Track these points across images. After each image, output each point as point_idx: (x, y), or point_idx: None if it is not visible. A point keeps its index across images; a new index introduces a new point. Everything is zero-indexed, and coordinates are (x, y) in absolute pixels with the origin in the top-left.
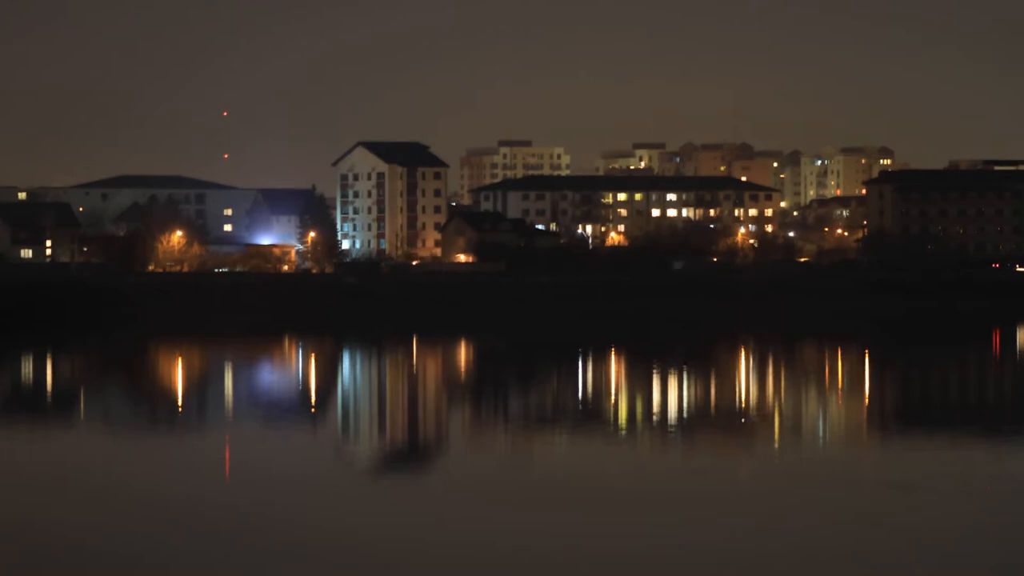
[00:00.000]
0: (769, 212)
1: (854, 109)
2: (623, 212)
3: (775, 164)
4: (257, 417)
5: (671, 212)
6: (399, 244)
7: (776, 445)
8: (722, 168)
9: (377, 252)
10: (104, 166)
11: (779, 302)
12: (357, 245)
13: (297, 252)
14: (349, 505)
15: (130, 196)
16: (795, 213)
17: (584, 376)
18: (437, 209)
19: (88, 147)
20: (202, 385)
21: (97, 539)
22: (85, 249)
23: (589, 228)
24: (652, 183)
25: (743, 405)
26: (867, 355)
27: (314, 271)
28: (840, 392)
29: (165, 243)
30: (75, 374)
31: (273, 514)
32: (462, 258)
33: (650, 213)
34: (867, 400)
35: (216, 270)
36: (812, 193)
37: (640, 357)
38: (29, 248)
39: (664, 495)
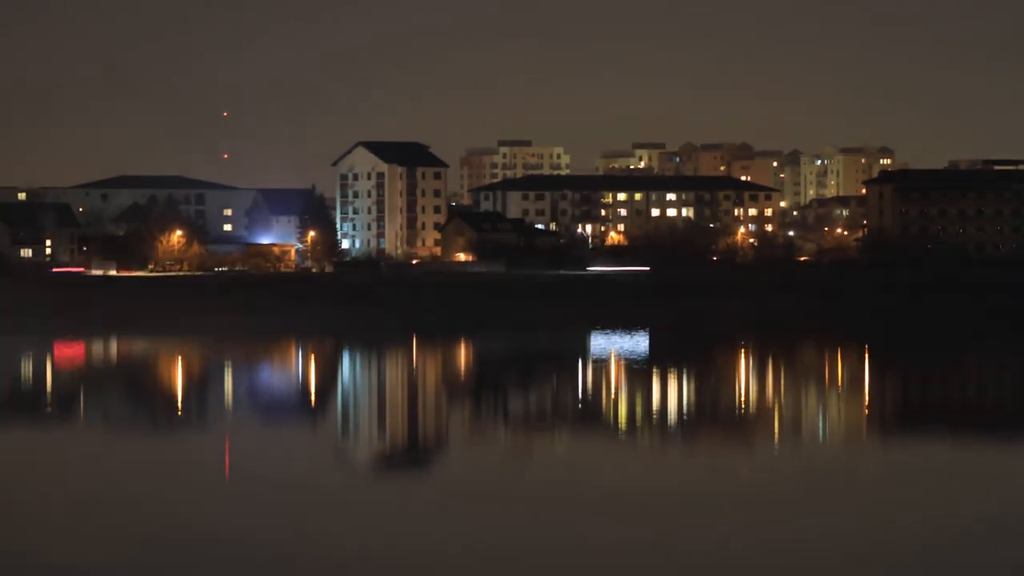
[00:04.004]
0: (769, 212)
1: (854, 109)
2: (623, 212)
3: (775, 164)
4: (257, 417)
5: (671, 212)
6: (399, 244)
7: (776, 445)
8: (722, 168)
9: (377, 252)
10: (104, 166)
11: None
12: (357, 245)
13: (297, 252)
14: (347, 506)
15: (130, 196)
16: (795, 213)
17: (584, 377)
18: (437, 209)
19: (88, 147)
20: (202, 385)
21: (96, 543)
22: (85, 249)
23: (589, 228)
24: (652, 183)
25: (743, 405)
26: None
27: (314, 271)
28: (839, 392)
29: (165, 243)
30: (74, 374)
31: (272, 515)
32: (462, 257)
33: (650, 213)
34: (866, 400)
35: (216, 269)
36: (812, 193)
37: (639, 357)
38: (29, 248)
39: (663, 495)
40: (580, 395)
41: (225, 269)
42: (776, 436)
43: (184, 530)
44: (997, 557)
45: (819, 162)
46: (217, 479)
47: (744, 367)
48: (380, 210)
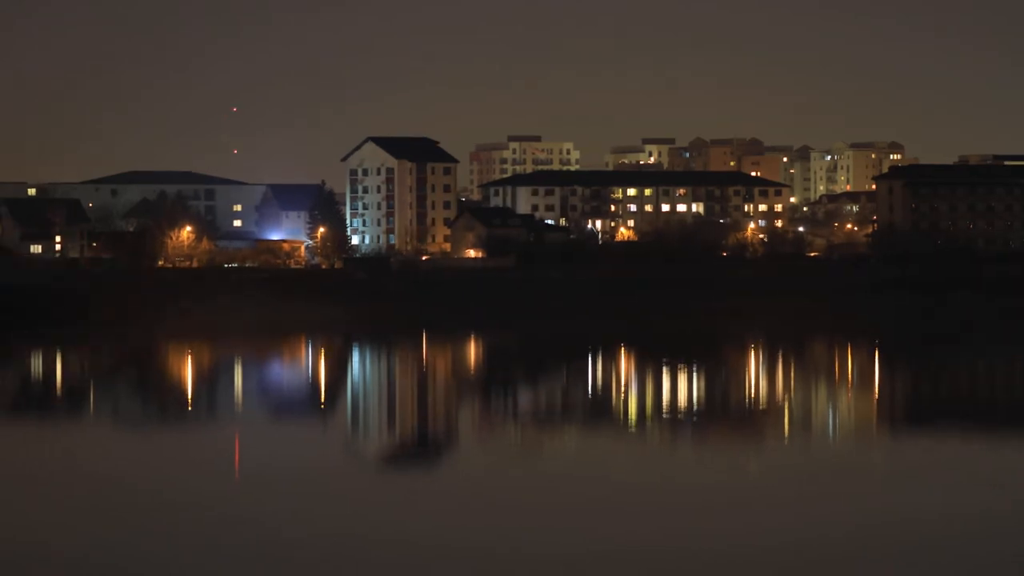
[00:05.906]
0: (779, 207)
1: (864, 104)
2: (632, 207)
3: (785, 159)
4: (267, 414)
5: (680, 207)
6: (408, 239)
7: (785, 443)
8: (732, 163)
9: (387, 247)
10: (113, 162)
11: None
12: (367, 240)
13: (307, 247)
14: (358, 504)
15: (139, 192)
16: (804, 208)
17: (593, 373)
18: (446, 204)
19: (97, 143)
20: (212, 382)
21: (103, 540)
22: (95, 245)
23: (599, 223)
24: (662, 178)
25: (753, 402)
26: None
27: (323, 266)
28: (848, 389)
29: (174, 239)
30: (85, 370)
31: (282, 513)
32: (471, 253)
33: (659, 208)
34: (876, 396)
35: (225, 265)
36: (822, 188)
37: (649, 353)
38: (39, 244)
39: (671, 493)
40: (590, 390)
41: (235, 265)
42: (786, 432)
43: (194, 524)
44: (1006, 552)
45: (829, 157)
46: (227, 475)
47: (754, 365)
48: (390, 206)
